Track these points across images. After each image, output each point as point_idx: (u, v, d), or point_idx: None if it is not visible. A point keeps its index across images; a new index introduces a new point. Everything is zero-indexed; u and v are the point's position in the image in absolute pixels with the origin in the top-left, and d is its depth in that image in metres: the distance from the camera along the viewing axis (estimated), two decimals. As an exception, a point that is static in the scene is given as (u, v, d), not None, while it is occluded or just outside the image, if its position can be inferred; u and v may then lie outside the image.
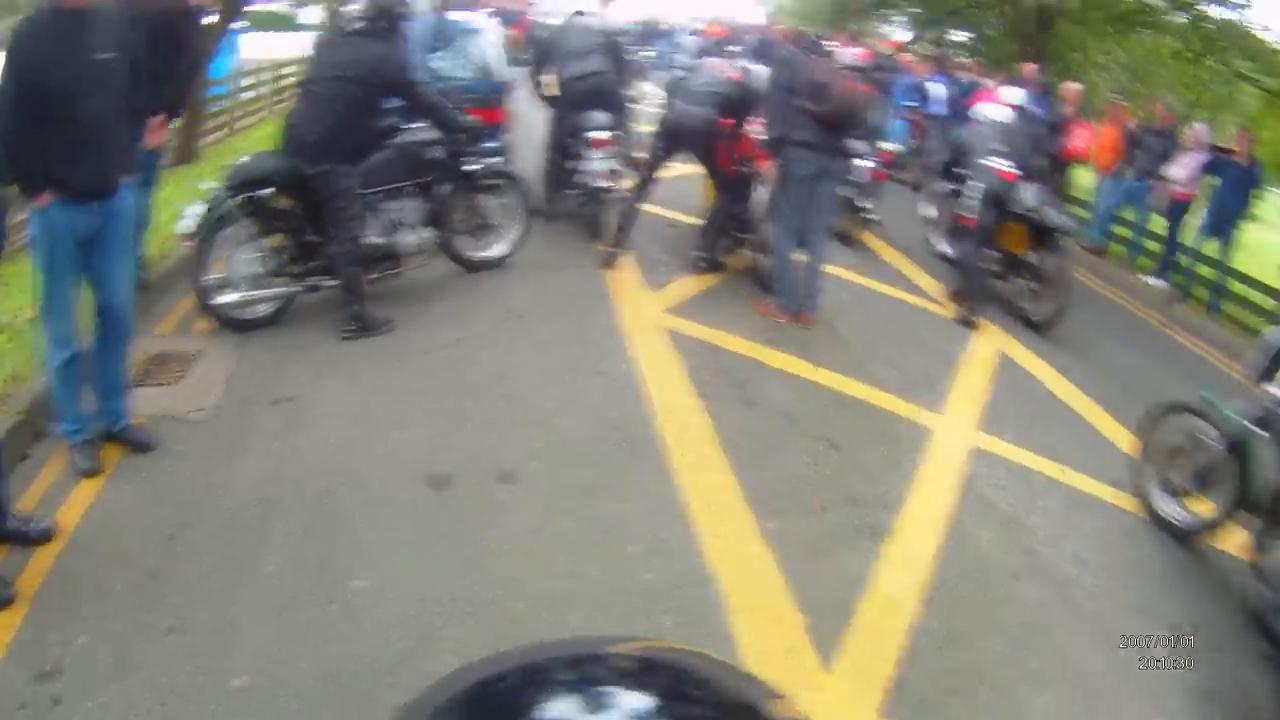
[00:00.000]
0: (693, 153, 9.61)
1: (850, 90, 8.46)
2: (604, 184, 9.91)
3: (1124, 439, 7.50)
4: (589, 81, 10.21)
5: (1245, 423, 5.80)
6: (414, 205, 8.20)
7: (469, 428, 6.26)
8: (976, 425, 7.40)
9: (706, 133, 9.25)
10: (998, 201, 9.78)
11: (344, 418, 6.25)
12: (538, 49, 11.36)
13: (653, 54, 22.37)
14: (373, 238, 7.88)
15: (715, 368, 7.58)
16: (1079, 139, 15.00)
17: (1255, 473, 5.69)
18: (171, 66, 6.81)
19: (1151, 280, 13.80)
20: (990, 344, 9.25)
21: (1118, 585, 5.61)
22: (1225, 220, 12.91)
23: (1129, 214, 15.12)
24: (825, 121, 8.41)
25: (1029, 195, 9.88)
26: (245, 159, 7.53)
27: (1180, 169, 13.20)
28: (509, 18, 23.63)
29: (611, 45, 10.69)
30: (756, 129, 9.41)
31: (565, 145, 10.46)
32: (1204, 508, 6.20)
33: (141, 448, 5.65)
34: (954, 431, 7.21)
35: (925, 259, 11.75)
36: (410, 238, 8.10)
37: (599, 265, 9.60)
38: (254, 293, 7.38)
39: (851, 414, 7.21)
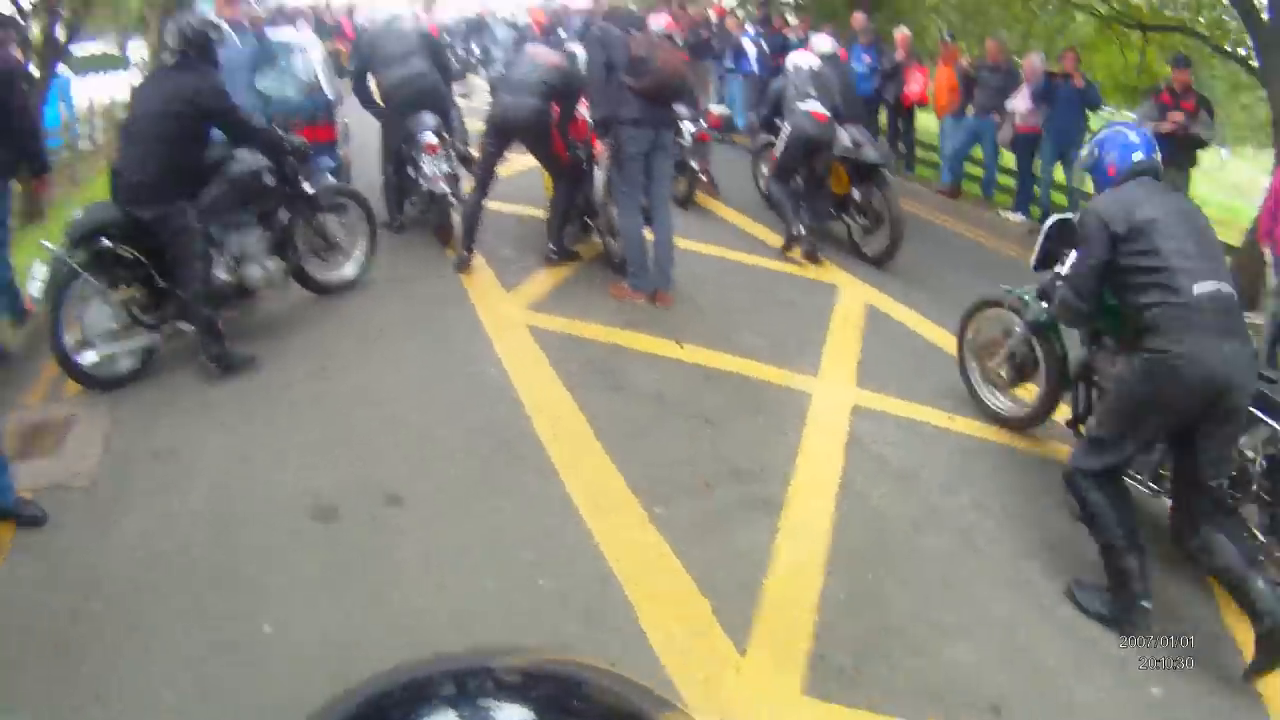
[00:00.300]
0: (524, 144, 9.46)
1: (669, 60, 8.39)
2: (443, 189, 9.75)
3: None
4: (412, 85, 10.04)
5: (1043, 305, 6.07)
6: (256, 235, 7.90)
7: (347, 455, 6.09)
8: (855, 383, 7.37)
9: (535, 123, 9.10)
10: (810, 143, 10.12)
11: (223, 462, 6.05)
12: (357, 58, 11.13)
13: (478, 50, 22.05)
14: (220, 275, 7.59)
15: (580, 359, 7.45)
16: (914, 83, 15.20)
17: (1059, 350, 6.29)
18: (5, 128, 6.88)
19: (1010, 216, 13.93)
20: (856, 299, 9.24)
21: (1020, 524, 5.61)
22: (1067, 144, 13.04)
23: (978, 153, 15.20)
24: (649, 95, 8.31)
25: (844, 136, 10.36)
26: (79, 213, 7.21)
27: (1020, 101, 13.32)
28: (328, 30, 23.30)
29: (429, 45, 10.51)
30: (585, 110, 9.34)
31: (399, 154, 10.28)
32: (1028, 394, 6.78)
33: (32, 522, 5.46)
34: (833, 393, 7.15)
35: (771, 220, 11.59)
36: (256, 270, 7.79)
37: (453, 271, 9.42)
38: (113, 348, 7.10)
39: (723, 388, 7.12)
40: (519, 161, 10.34)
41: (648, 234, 8.78)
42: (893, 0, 22.53)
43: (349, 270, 8.98)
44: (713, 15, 22.11)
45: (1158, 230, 4.78)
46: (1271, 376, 5.26)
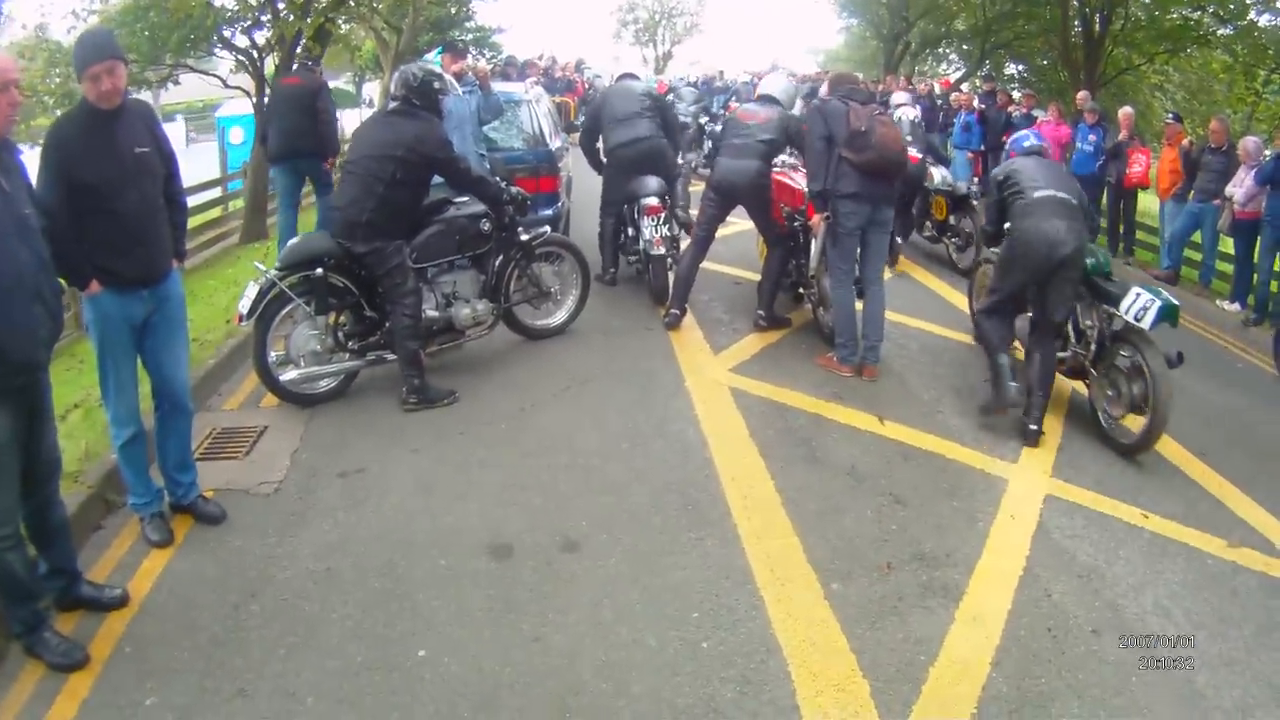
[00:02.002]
0: (744, 207, 9.56)
1: (889, 136, 8.31)
2: (660, 250, 9.92)
3: (1208, 478, 7.40)
4: (637, 148, 10.27)
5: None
6: (468, 278, 8.26)
7: (531, 497, 6.26)
8: (1051, 472, 7.23)
9: (755, 185, 9.23)
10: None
11: (407, 489, 6.30)
12: (588, 115, 11.41)
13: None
14: (429, 311, 7.94)
15: (779, 426, 7.51)
16: (1137, 164, 14.88)
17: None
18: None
19: (1227, 305, 13.47)
20: (1064, 386, 9.05)
21: (1202, 635, 5.38)
22: None
23: (1198, 238, 14.70)
24: (867, 170, 8.25)
25: (936, 174, 13.24)
26: (295, 239, 7.74)
27: (1238, 187, 12.86)
28: (559, 85, 23.83)
29: (658, 107, 10.71)
30: (801, 179, 9.40)
31: (620, 212, 10.54)
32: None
33: (210, 520, 5.85)
34: (1029, 480, 7.04)
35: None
36: (465, 310, 8.14)
37: (662, 329, 9.57)
38: (315, 369, 7.56)
39: (919, 467, 7.07)
40: (735, 224, 10.44)
41: (859, 307, 8.75)
42: (1115, 78, 22.08)
43: (559, 318, 9.27)
44: (938, 88, 22.04)
45: (1019, 173, 7.95)
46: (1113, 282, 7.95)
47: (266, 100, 13.37)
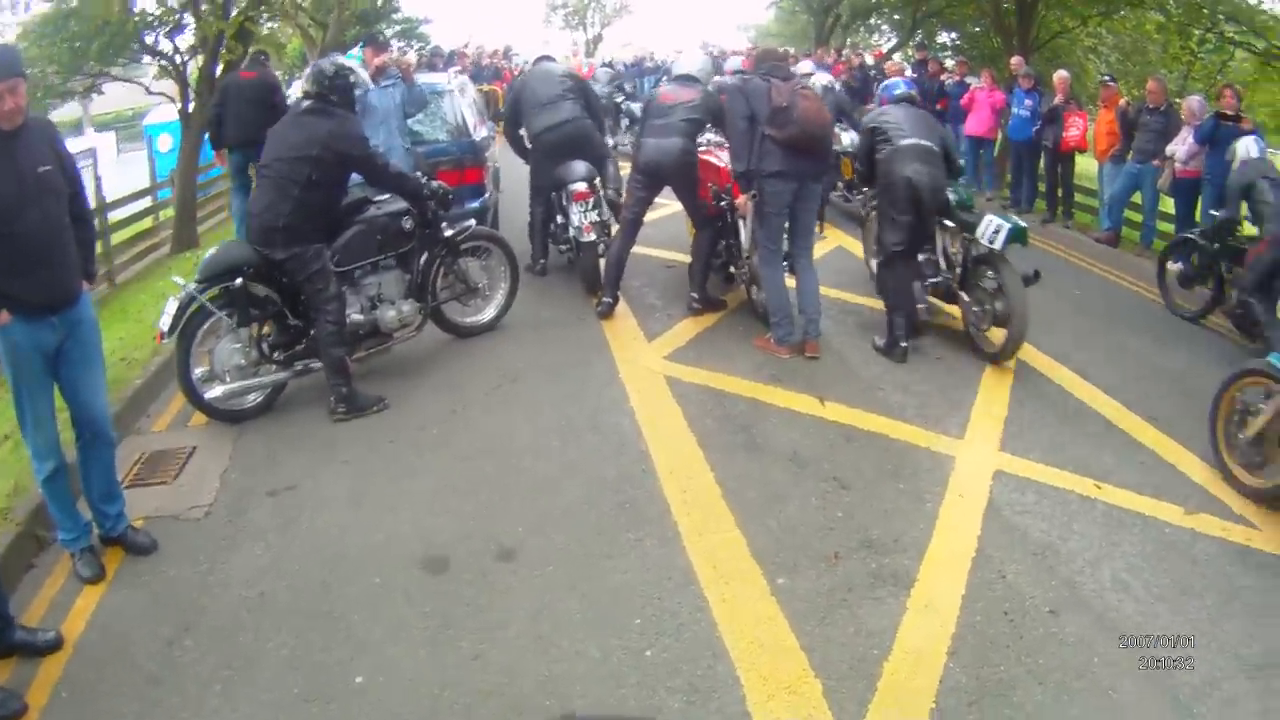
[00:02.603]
0: (671, 187, 9.43)
1: (811, 110, 8.13)
2: (590, 237, 9.68)
3: (1161, 444, 7.24)
4: (561, 131, 10.00)
5: None
6: (393, 278, 8.00)
7: (465, 504, 6.05)
8: (1000, 445, 7.05)
9: (681, 164, 9.07)
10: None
11: (339, 504, 6.10)
12: (508, 102, 11.15)
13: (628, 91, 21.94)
14: (354, 315, 7.69)
15: (717, 414, 7.29)
16: (1074, 128, 14.75)
17: None
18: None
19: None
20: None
21: (1163, 607, 5.23)
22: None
23: (1138, 199, 14.46)
24: (792, 146, 8.08)
25: (844, 137, 13.34)
26: (212, 250, 7.39)
27: (1180, 145, 12.67)
28: (487, 73, 23.48)
29: (580, 89, 10.46)
30: (726, 158, 9.22)
31: (549, 199, 10.28)
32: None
33: (141, 551, 5.66)
34: (977, 456, 6.85)
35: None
36: (391, 313, 7.88)
37: (595, 318, 9.37)
38: (241, 383, 7.30)
39: (863, 449, 6.86)
40: (666, 206, 10.22)
41: (790, 283, 8.60)
42: (1050, 41, 22.00)
43: (488, 314, 9.03)
44: (870, 59, 21.98)
45: (888, 122, 8.63)
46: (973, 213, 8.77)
47: (217, 93, 13.22)
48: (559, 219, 10.32)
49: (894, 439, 7.02)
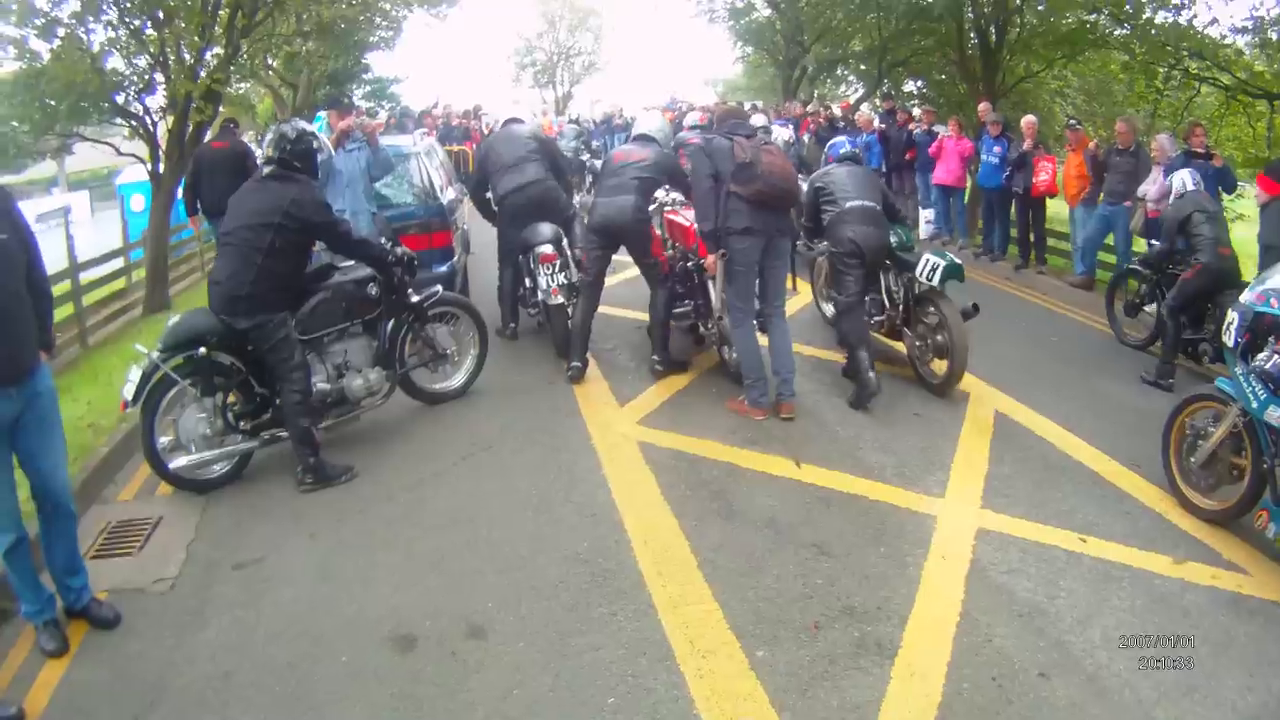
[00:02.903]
0: (624, 245, 9.35)
1: (776, 165, 8.03)
2: (558, 300, 9.54)
3: (1139, 488, 7.16)
4: (526, 193, 9.90)
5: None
6: (360, 345, 7.87)
7: (435, 578, 5.86)
8: (981, 502, 6.91)
9: (633, 221, 9.04)
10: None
11: (306, 579, 5.92)
12: (475, 165, 11.07)
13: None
14: (320, 384, 7.55)
15: (691, 480, 7.12)
16: (1043, 173, 14.65)
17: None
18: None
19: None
20: (986, 406, 8.83)
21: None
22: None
23: (1110, 241, 14.39)
24: (758, 202, 7.96)
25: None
26: (175, 319, 7.22)
27: (1151, 185, 12.56)
28: (456, 134, 23.41)
29: (545, 150, 10.35)
30: (690, 216, 9.15)
31: (516, 262, 10.17)
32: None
33: (104, 625, 5.52)
34: (958, 514, 6.70)
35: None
36: (358, 381, 7.74)
37: (566, 382, 9.22)
38: (207, 453, 7.15)
39: (843, 513, 6.68)
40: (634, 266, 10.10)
41: (763, 341, 8.46)
42: (1016, 86, 22.03)
43: (457, 380, 8.88)
44: (837, 110, 21.98)
45: (833, 183, 8.99)
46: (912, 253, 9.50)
47: (190, 161, 13.49)
48: (528, 282, 10.20)
49: (874, 500, 6.86)
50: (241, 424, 7.30)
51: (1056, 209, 16.53)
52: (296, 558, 6.19)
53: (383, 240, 7.98)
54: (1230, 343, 6.51)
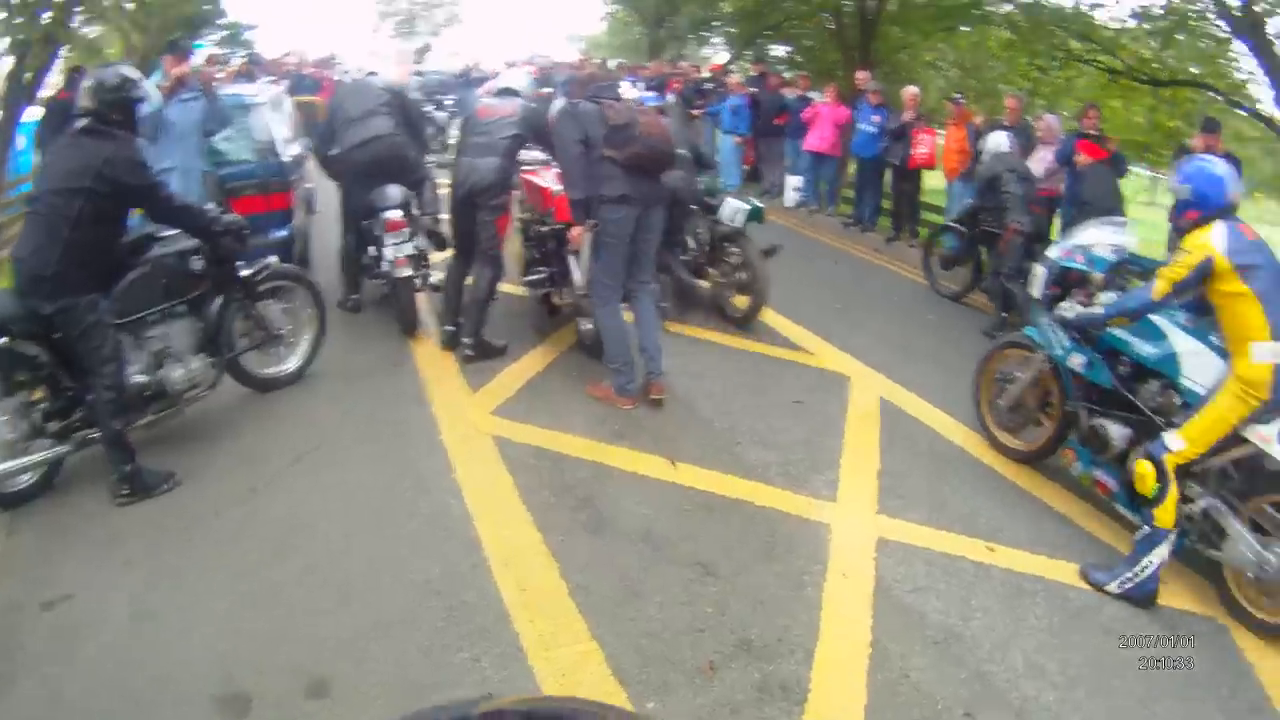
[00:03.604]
0: (479, 208, 8.44)
1: (653, 126, 7.41)
2: (405, 272, 8.67)
3: (1039, 486, 6.79)
4: (371, 149, 8.90)
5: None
6: (182, 328, 6.81)
7: (267, 618, 4.92)
8: (878, 506, 6.26)
9: (497, 184, 8.26)
10: None
11: (122, 620, 4.93)
12: (323, 121, 10.03)
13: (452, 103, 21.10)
14: (136, 376, 6.51)
15: (555, 484, 6.28)
16: (922, 145, 14.24)
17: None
18: None
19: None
20: (869, 392, 8.22)
21: (1082, 692, 4.62)
22: (1092, 212, 11.57)
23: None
24: (634, 167, 7.31)
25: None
26: None
27: (1039, 165, 12.14)
28: (308, 84, 22.19)
29: (398, 103, 9.37)
30: (554, 180, 8.54)
31: (360, 227, 9.20)
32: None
33: None
34: (854, 521, 6.04)
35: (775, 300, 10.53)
36: (179, 371, 6.69)
37: (412, 364, 8.39)
38: (11, 463, 5.98)
39: (727, 522, 5.94)
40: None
41: (628, 318, 7.82)
42: (889, 57, 21.63)
43: (291, 364, 7.91)
44: (707, 72, 21.46)
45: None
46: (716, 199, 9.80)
47: (43, 115, 12.54)
48: (371, 250, 9.17)
49: (759, 506, 6.14)
50: (50, 425, 6.24)
51: (933, 183, 16.01)
52: (111, 593, 5.19)
53: (210, 205, 6.98)
54: (1037, 294, 7.08)
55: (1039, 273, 7.07)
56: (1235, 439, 5.50)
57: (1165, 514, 5.49)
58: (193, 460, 6.57)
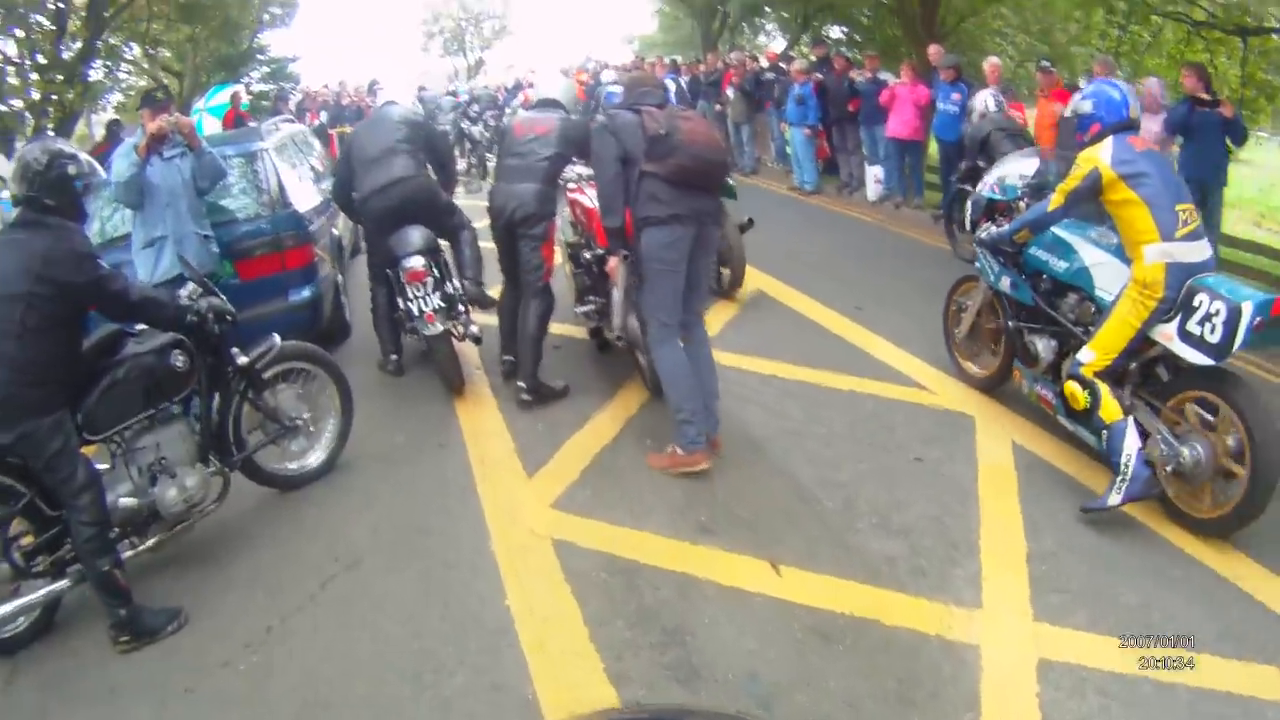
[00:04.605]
0: (518, 237, 7.84)
1: (698, 131, 6.47)
2: (436, 328, 7.65)
3: (1225, 560, 5.42)
4: (392, 194, 7.95)
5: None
6: (175, 435, 5.76)
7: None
8: (1032, 609, 4.98)
9: (537, 214, 7.64)
10: None
11: None
12: (339, 162, 8.97)
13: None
14: (124, 499, 5.50)
15: (631, 610, 5.05)
16: (1014, 122, 12.81)
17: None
18: None
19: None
20: (999, 440, 6.89)
21: None
22: (1209, 185, 10.38)
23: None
24: (681, 181, 6.34)
25: None
26: None
27: (1146, 137, 10.68)
28: (349, 113, 21.27)
29: (421, 135, 8.40)
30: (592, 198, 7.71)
31: (388, 278, 8.15)
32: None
33: None
34: (1007, 637, 4.78)
35: (864, 316, 9.47)
36: (172, 492, 5.63)
37: (459, 441, 7.28)
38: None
39: (852, 654, 4.67)
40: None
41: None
42: (958, 26, 20.36)
43: (315, 457, 6.86)
44: (764, 61, 20.38)
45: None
46: None
47: None
48: (400, 303, 8.09)
49: (890, 627, 4.86)
50: (36, 564, 5.28)
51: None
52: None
53: (186, 288, 5.91)
54: (968, 226, 7.90)
55: (969, 207, 7.87)
56: (1147, 341, 5.88)
57: (1108, 411, 5.82)
58: (203, 586, 5.61)
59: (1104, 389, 5.83)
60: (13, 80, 12.28)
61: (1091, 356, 5.91)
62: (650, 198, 6.41)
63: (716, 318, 9.53)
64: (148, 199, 7.52)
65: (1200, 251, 5.76)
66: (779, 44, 31.04)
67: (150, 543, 5.68)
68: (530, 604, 5.16)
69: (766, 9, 29.86)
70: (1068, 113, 6.85)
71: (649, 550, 5.59)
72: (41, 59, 12.48)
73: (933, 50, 15.09)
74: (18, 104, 13.34)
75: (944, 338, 8.10)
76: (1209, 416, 5.59)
